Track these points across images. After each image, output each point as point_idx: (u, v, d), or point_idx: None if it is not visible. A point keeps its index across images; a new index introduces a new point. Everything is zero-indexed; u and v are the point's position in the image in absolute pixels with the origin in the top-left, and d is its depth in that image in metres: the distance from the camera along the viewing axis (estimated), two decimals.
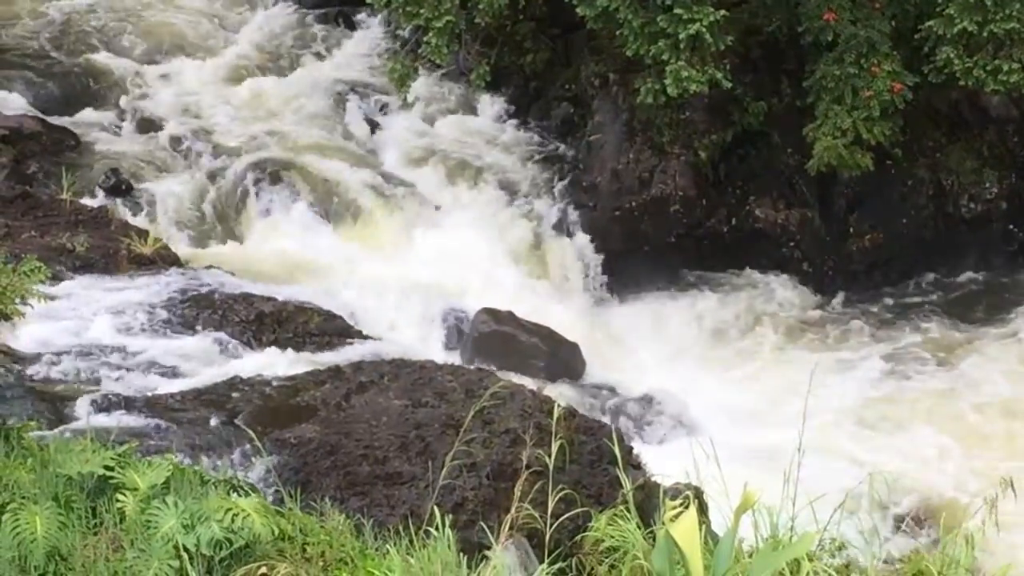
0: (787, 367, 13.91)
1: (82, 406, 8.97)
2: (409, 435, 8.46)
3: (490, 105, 16.86)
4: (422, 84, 16.78)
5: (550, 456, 6.63)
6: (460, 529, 6.90)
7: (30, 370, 9.80)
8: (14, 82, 16.25)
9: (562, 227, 15.33)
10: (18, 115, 15.23)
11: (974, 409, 13.34)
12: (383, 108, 16.91)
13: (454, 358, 12.37)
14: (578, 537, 7.12)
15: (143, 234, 12.69)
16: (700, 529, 4.89)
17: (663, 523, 4.99)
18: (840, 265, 15.68)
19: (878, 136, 14.21)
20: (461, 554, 5.90)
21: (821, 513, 6.29)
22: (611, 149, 15.52)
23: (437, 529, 5.89)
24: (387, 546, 6.12)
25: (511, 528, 6.41)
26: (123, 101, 16.35)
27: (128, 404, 9.06)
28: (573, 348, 13.49)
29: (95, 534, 5.75)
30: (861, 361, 14.25)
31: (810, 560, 5.72)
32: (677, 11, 13.64)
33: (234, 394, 9.42)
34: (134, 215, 13.90)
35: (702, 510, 6.90)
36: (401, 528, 6.29)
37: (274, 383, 9.63)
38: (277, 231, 14.49)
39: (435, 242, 14.80)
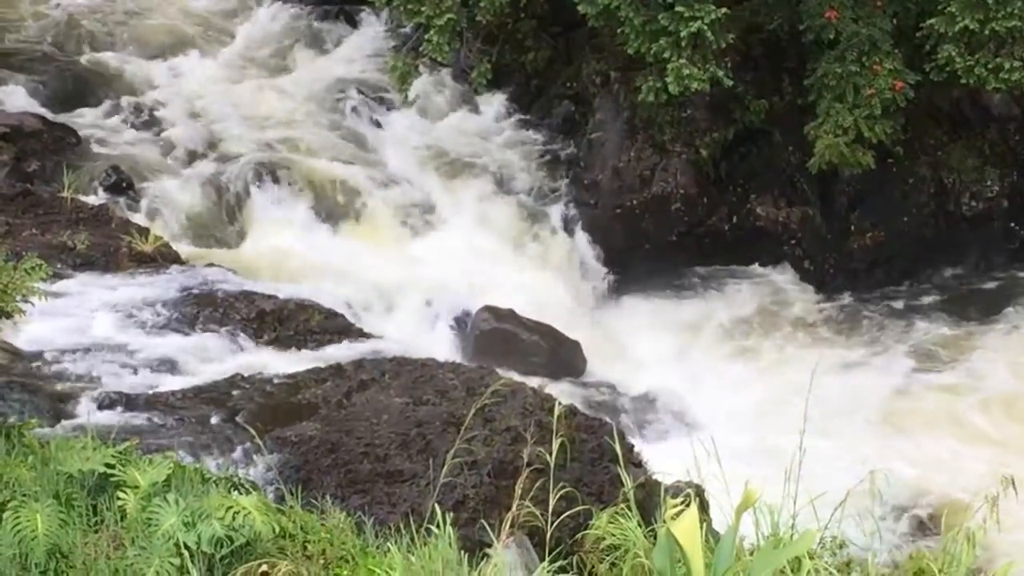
0: (788, 365, 13.92)
1: (83, 404, 8.97)
2: (410, 433, 8.46)
3: (491, 103, 16.86)
4: (423, 82, 16.78)
5: (551, 454, 6.63)
6: (461, 527, 6.90)
7: (31, 368, 9.80)
8: (16, 80, 16.24)
9: (563, 225, 15.34)
10: (19, 113, 15.22)
11: (976, 406, 13.34)
12: (384, 106, 16.90)
13: (455, 356, 12.36)
14: (579, 535, 7.12)
15: (144, 232, 12.68)
16: (701, 527, 4.89)
17: (664, 521, 4.98)
18: (841, 263, 15.68)
19: (879, 134, 14.21)
20: (462, 552, 5.89)
21: (822, 511, 6.29)
22: (612, 147, 15.52)
23: (438, 527, 5.89)
24: (388, 544, 6.12)
25: (512, 526, 6.41)
26: (124, 99, 16.34)
27: (129, 402, 9.06)
28: (574, 346, 13.49)
29: (96, 532, 5.75)
30: (862, 359, 14.26)
31: (811, 558, 5.72)
32: (678, 9, 13.64)
33: (235, 392, 9.42)
34: (135, 213, 13.89)
35: (703, 508, 6.90)
36: (402, 526, 6.29)
37: (275, 381, 9.62)
38: (278, 229, 14.48)
39: (436, 240, 14.81)
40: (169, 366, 10.17)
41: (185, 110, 16.25)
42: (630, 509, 6.43)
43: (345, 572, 5.91)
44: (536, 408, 8.67)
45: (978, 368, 14.07)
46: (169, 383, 9.77)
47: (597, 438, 8.66)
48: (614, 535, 6.46)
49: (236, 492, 6.15)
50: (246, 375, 9.78)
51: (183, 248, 13.32)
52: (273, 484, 7.68)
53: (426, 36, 15.34)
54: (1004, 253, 15.92)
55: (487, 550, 6.08)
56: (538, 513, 6.51)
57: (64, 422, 8.56)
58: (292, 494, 6.71)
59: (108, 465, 5.99)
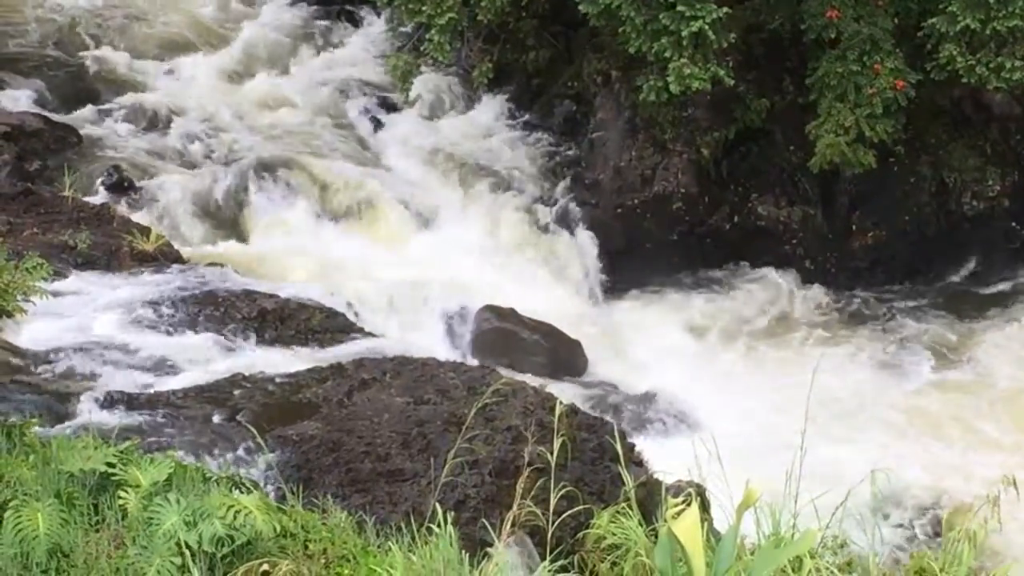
0: (789, 364, 13.92)
1: (84, 403, 8.97)
2: (411, 432, 8.46)
3: (492, 102, 16.86)
4: (424, 81, 16.79)
5: (552, 453, 6.62)
6: (462, 526, 6.89)
7: (32, 367, 9.80)
8: (17, 79, 16.27)
9: (564, 224, 15.33)
10: (21, 112, 15.24)
11: (979, 405, 13.34)
12: (386, 106, 16.90)
13: (456, 355, 12.37)
14: (580, 534, 7.12)
15: (145, 231, 12.69)
16: (702, 526, 4.89)
17: (665, 520, 4.98)
18: (842, 262, 15.68)
19: (880, 133, 14.21)
20: (463, 551, 5.89)
21: (823, 511, 6.29)
22: (613, 146, 15.53)
23: (439, 526, 5.89)
24: (389, 543, 6.12)
25: (513, 525, 6.41)
26: (126, 98, 16.36)
27: (130, 401, 9.06)
28: (575, 345, 13.49)
29: (97, 531, 5.75)
30: (863, 358, 14.26)
31: (812, 558, 5.72)
32: (680, 8, 13.64)
33: (236, 391, 9.41)
34: (136, 212, 13.89)
35: (704, 507, 6.90)
36: (403, 525, 6.29)
37: (276, 380, 9.62)
38: (279, 228, 14.48)
39: (437, 239, 14.81)
40: (170, 365, 10.18)
41: (186, 110, 16.26)
42: (631, 508, 6.43)
43: (346, 571, 5.91)
44: (537, 407, 8.67)
45: (980, 367, 14.08)
46: (170, 382, 9.77)
47: (598, 437, 8.66)
48: (615, 534, 6.46)
49: (237, 491, 6.15)
50: (247, 374, 9.78)
51: (184, 247, 13.32)
52: (274, 483, 7.68)
53: (427, 35, 15.34)
54: (1005, 252, 15.91)
55: (488, 549, 6.08)
56: (539, 512, 6.52)
57: (65, 421, 8.56)
58: (293, 493, 6.71)
59: (109, 464, 5.99)
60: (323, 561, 5.92)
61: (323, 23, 18.72)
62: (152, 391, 9.48)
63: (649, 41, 13.95)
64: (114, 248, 12.15)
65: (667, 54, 13.83)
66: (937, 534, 11.08)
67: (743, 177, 15.69)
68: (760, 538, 6.03)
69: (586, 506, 7.12)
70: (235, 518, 5.67)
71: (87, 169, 14.40)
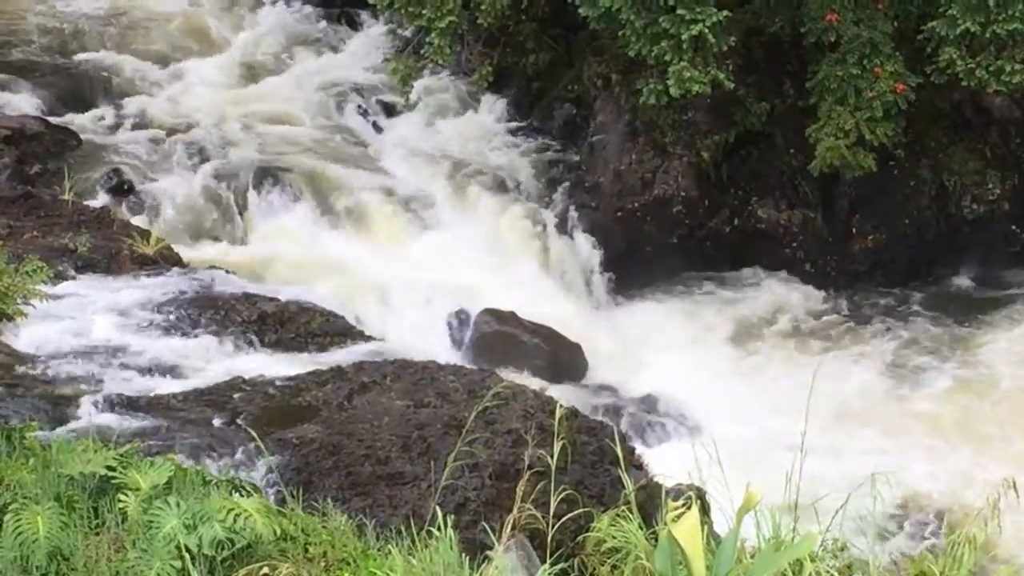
0: (789, 367, 13.92)
1: (84, 406, 8.97)
2: (411, 435, 8.46)
3: (492, 105, 16.87)
4: (424, 84, 16.79)
5: (552, 456, 6.62)
6: (462, 529, 6.89)
7: (32, 370, 9.79)
8: (17, 83, 16.28)
9: (564, 228, 15.33)
10: (21, 115, 15.25)
11: (977, 408, 13.34)
12: (385, 109, 16.91)
13: (456, 358, 12.36)
14: (580, 538, 7.11)
15: (145, 234, 12.69)
16: (702, 530, 4.88)
17: (665, 523, 4.98)
18: (842, 266, 15.69)
19: (880, 137, 14.21)
20: (463, 555, 5.89)
21: (824, 514, 6.29)
22: (613, 150, 15.53)
23: (439, 529, 5.89)
24: (389, 546, 6.12)
25: (513, 528, 6.40)
26: (125, 102, 16.37)
27: (130, 404, 9.05)
28: (575, 348, 13.49)
29: (97, 534, 5.75)
30: (863, 361, 14.26)
31: (812, 561, 5.72)
32: (680, 12, 13.63)
33: (236, 394, 9.41)
34: (136, 215, 13.90)
35: (704, 511, 6.89)
36: (403, 528, 6.29)
37: (276, 383, 9.62)
38: (279, 231, 14.48)
39: (437, 242, 14.80)
40: (170, 368, 10.18)
41: (186, 112, 16.27)
42: (631, 511, 6.43)
43: (346, 574, 5.91)
44: (537, 410, 8.67)
45: (981, 370, 14.08)
46: (170, 385, 9.77)
47: (598, 440, 8.66)
48: (615, 537, 6.45)
49: (237, 494, 6.15)
50: (247, 377, 9.78)
51: (184, 250, 13.32)
52: (274, 486, 7.68)
53: (427, 39, 15.34)
54: (1005, 256, 15.91)
55: (488, 552, 6.08)
56: (539, 515, 6.51)
57: (65, 424, 8.56)
58: (293, 496, 6.71)
59: (109, 467, 5.99)
60: (323, 564, 5.92)
61: (323, 26, 18.72)
62: (152, 394, 9.47)
63: (649, 44, 13.95)
64: (114, 251, 12.15)
65: (667, 57, 13.83)
66: (938, 537, 11.08)
67: (743, 180, 15.70)
68: (760, 541, 6.02)
69: (586, 509, 7.12)
70: (235, 521, 5.67)
71: (87, 173, 14.41)
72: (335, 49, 18.32)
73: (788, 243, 15.56)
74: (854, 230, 15.67)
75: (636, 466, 8.75)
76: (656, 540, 5.87)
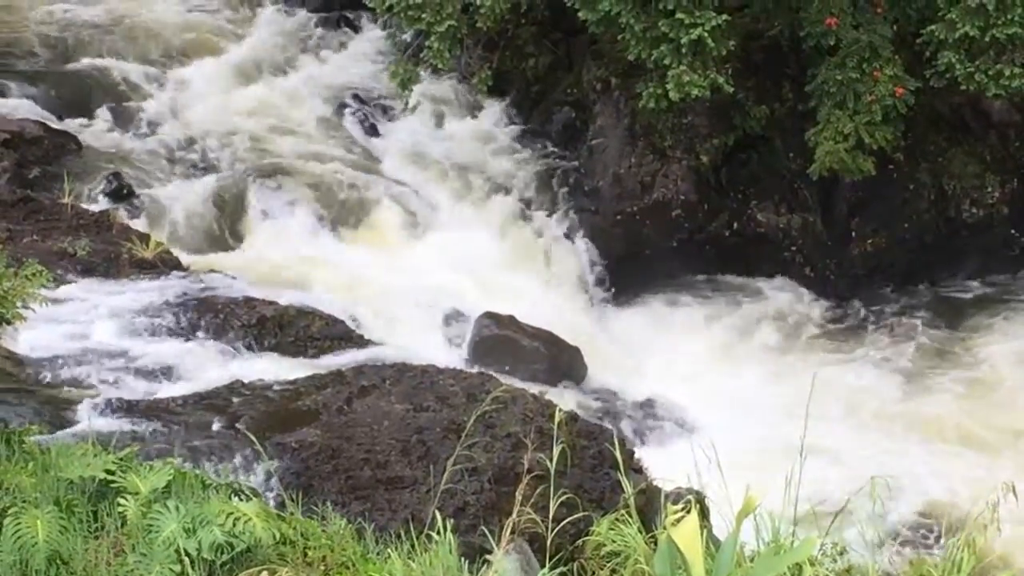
0: (789, 371, 13.92)
1: (83, 410, 8.97)
2: (411, 439, 8.46)
3: (492, 109, 16.88)
4: (424, 88, 16.79)
5: (552, 460, 6.62)
6: (462, 533, 6.89)
7: (32, 374, 9.80)
8: (16, 86, 16.27)
9: (563, 231, 15.34)
10: (20, 119, 15.24)
11: (977, 412, 13.34)
12: (385, 113, 16.92)
13: (456, 362, 12.35)
14: (580, 541, 7.11)
15: (144, 238, 12.70)
16: (702, 533, 4.88)
17: (665, 527, 4.98)
18: (842, 269, 15.68)
19: (880, 141, 14.21)
20: (462, 559, 5.89)
21: (823, 517, 6.29)
22: (613, 153, 15.53)
23: (439, 533, 5.89)
24: (388, 550, 6.12)
25: (512, 532, 6.40)
26: (125, 106, 16.37)
27: (129, 408, 9.05)
28: (575, 352, 13.48)
29: (96, 538, 5.75)
30: (863, 365, 14.26)
31: (812, 565, 5.72)
32: (679, 16, 13.64)
33: (235, 398, 9.41)
34: (136, 219, 13.90)
35: (704, 514, 6.90)
36: (403, 532, 6.29)
37: (275, 387, 9.62)
38: (279, 235, 14.49)
39: (436, 246, 14.81)
40: (170, 372, 10.18)
41: (186, 116, 16.28)
42: (631, 515, 6.43)
43: None
44: (537, 414, 8.67)
45: (980, 373, 14.07)
46: (170, 389, 9.78)
47: (598, 444, 8.66)
48: (615, 541, 6.45)
49: (237, 498, 6.15)
50: (247, 381, 9.78)
51: (184, 254, 13.33)
52: (273, 490, 7.68)
53: (427, 42, 15.33)
54: (1004, 260, 15.91)
55: (488, 557, 6.08)
56: (539, 519, 6.51)
57: (65, 428, 8.56)
58: (293, 500, 6.71)
59: (109, 471, 5.99)
60: (322, 568, 5.92)
61: (322, 30, 18.73)
62: (151, 398, 9.48)
63: (648, 48, 13.95)
64: (113, 255, 12.16)
65: (666, 61, 13.83)
66: (938, 541, 11.08)
67: (742, 184, 15.70)
68: (760, 545, 6.02)
69: (585, 513, 7.12)
70: (234, 525, 5.68)
71: (87, 177, 14.41)
72: (335, 53, 18.32)
73: (787, 247, 15.56)
74: (853, 234, 15.67)
75: (636, 470, 8.75)
76: (656, 544, 5.87)
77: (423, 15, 15.07)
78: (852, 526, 6.56)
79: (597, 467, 8.50)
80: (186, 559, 5.54)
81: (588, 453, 8.55)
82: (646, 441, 12.41)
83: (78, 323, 10.72)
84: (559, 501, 6.55)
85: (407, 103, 16.49)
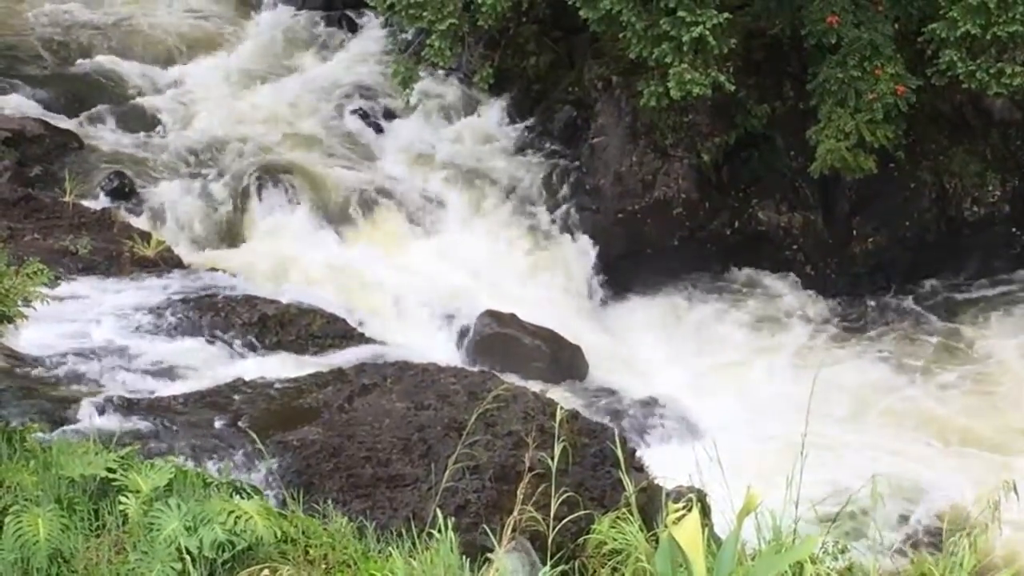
0: (790, 369, 13.92)
1: (85, 408, 8.98)
2: (412, 437, 8.46)
3: (493, 108, 16.87)
4: (425, 86, 16.79)
5: (553, 458, 6.62)
6: (463, 532, 6.89)
7: (33, 372, 9.80)
8: (18, 85, 16.29)
9: (565, 229, 15.34)
10: (21, 117, 15.26)
11: (979, 410, 13.34)
12: (386, 111, 16.91)
13: (457, 360, 12.36)
14: (581, 540, 7.11)
15: (146, 236, 12.70)
16: (703, 532, 4.88)
17: (666, 526, 4.98)
18: (843, 268, 15.67)
19: (881, 139, 14.20)
20: (464, 557, 5.89)
21: (824, 515, 6.29)
22: (614, 152, 15.52)
23: (440, 531, 5.89)
24: (390, 548, 6.12)
25: (514, 530, 6.40)
26: (127, 104, 16.38)
27: (131, 406, 9.06)
28: (576, 350, 13.49)
29: (98, 536, 5.75)
30: (864, 363, 14.25)
31: (813, 563, 5.72)
32: (680, 14, 13.63)
33: (237, 396, 9.42)
34: (137, 217, 13.90)
35: (705, 513, 6.90)
36: (404, 530, 6.29)
37: (277, 385, 9.63)
38: (280, 233, 14.49)
39: (437, 245, 14.81)
40: (171, 370, 10.19)
41: (187, 115, 16.28)
42: (632, 513, 6.43)
43: None
44: (538, 413, 8.67)
45: (981, 372, 14.07)
46: (171, 387, 9.78)
47: (599, 443, 8.67)
48: (616, 539, 6.45)
49: (238, 496, 6.15)
50: (248, 379, 9.79)
51: (185, 252, 13.33)
52: (275, 488, 7.68)
53: (428, 41, 15.33)
54: (1005, 258, 15.90)
55: (489, 555, 6.08)
56: (540, 518, 6.51)
57: (66, 426, 8.57)
58: (294, 498, 6.71)
59: (110, 470, 6.00)
60: (324, 567, 5.92)
61: (324, 28, 18.73)
62: (153, 396, 9.49)
63: (650, 46, 13.94)
64: (115, 253, 12.17)
65: (668, 59, 13.82)
66: (939, 538, 11.07)
67: (744, 182, 15.69)
68: (761, 543, 6.02)
69: (587, 511, 7.12)
70: (236, 523, 5.68)
71: (88, 175, 14.41)
72: (336, 51, 18.32)
73: (788, 245, 15.55)
74: (855, 232, 15.66)
75: (637, 468, 8.76)
76: (657, 542, 5.87)
77: (424, 13, 15.08)
78: (854, 524, 6.55)
79: (598, 465, 8.50)
80: (187, 557, 5.54)
81: (589, 451, 8.55)
82: (647, 439, 12.40)
83: (79, 321, 10.73)
84: (560, 499, 6.55)
85: (408, 101, 16.50)
